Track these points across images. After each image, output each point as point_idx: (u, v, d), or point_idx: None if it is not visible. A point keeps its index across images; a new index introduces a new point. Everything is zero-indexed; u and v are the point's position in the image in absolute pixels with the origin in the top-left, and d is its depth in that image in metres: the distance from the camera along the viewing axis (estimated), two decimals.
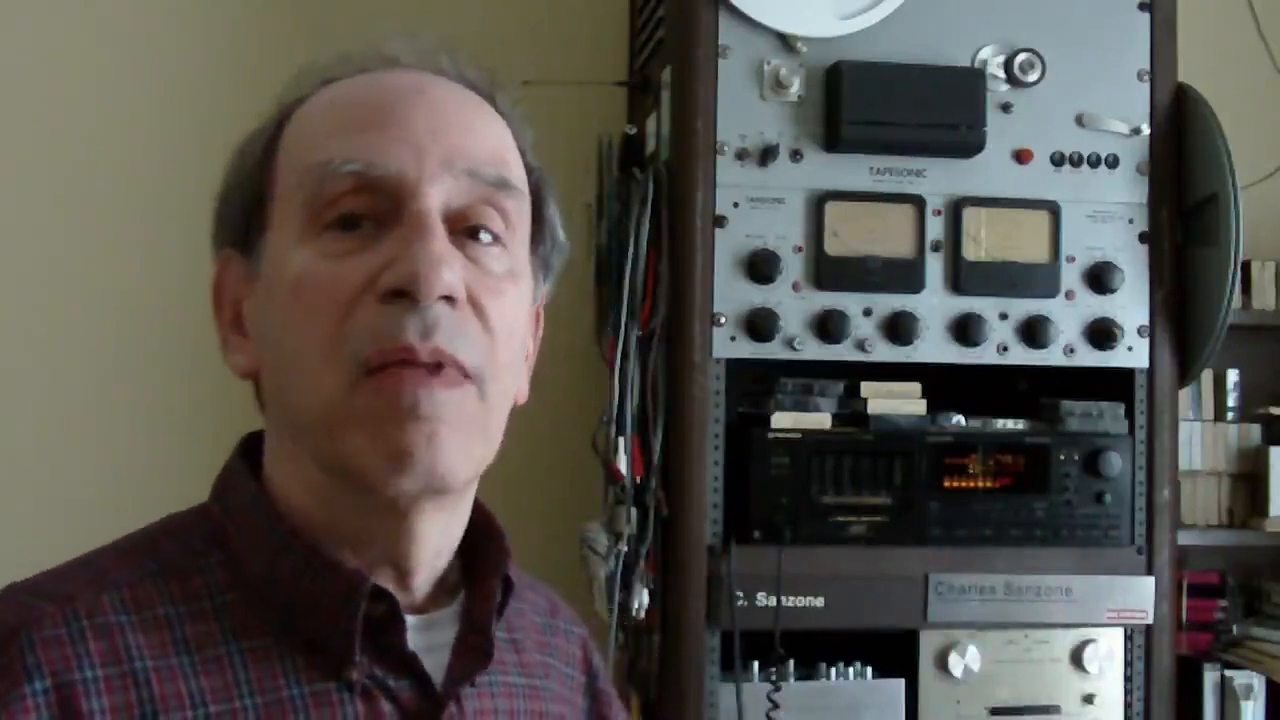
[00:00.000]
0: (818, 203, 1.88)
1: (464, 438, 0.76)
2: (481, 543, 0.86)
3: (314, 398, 0.75)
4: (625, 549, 1.85)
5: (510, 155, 0.82)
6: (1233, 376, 2.43)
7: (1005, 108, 1.93)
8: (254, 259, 0.80)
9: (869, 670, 1.89)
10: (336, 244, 0.75)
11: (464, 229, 0.77)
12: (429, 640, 0.81)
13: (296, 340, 0.75)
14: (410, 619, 0.80)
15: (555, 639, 0.95)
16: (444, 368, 0.74)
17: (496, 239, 0.79)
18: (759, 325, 1.84)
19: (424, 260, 0.73)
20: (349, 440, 0.74)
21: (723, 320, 1.85)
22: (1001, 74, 1.93)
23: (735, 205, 1.86)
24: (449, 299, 0.74)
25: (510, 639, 0.89)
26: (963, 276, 1.91)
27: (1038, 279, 1.93)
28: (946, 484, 1.88)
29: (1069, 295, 1.94)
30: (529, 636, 0.92)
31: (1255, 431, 2.41)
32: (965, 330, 1.90)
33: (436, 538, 0.81)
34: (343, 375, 0.74)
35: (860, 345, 1.88)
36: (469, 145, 0.78)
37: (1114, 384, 1.97)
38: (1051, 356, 1.93)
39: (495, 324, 0.77)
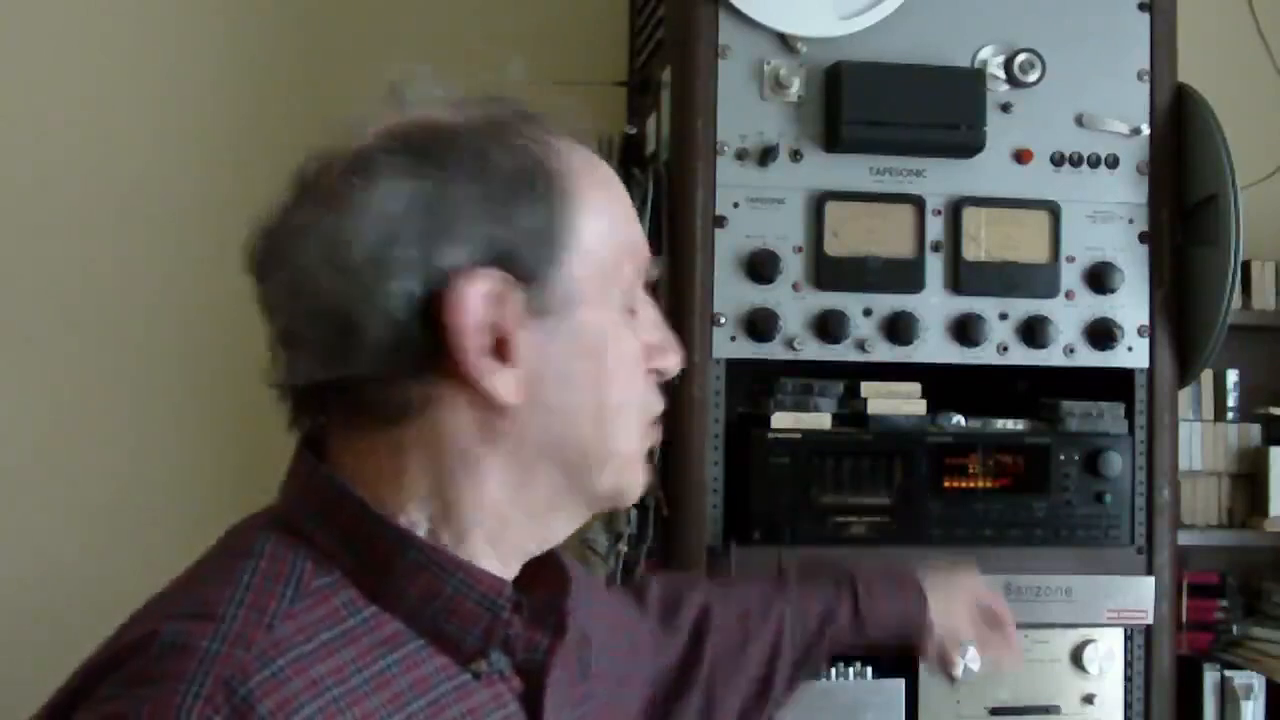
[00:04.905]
0: (818, 203, 1.88)
1: None
2: None
3: (627, 443, 0.91)
4: (625, 549, 1.85)
5: None
6: (1233, 376, 2.43)
7: (1005, 108, 1.93)
8: (547, 298, 0.86)
9: (869, 670, 1.88)
10: (633, 323, 0.92)
11: None
12: None
13: (619, 398, 0.90)
14: None
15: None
16: None
17: None
18: (759, 325, 1.84)
19: (680, 354, 0.96)
20: (633, 474, 0.93)
21: (723, 320, 1.85)
22: (1001, 74, 1.93)
23: (735, 205, 1.86)
24: None
25: None
26: (963, 276, 1.91)
27: (1038, 279, 1.93)
28: (946, 484, 1.88)
29: (1069, 295, 1.94)
30: None
31: (1255, 431, 2.42)
32: (965, 330, 1.90)
33: None
34: (644, 429, 0.94)
35: (860, 345, 1.88)
36: None
37: (1114, 384, 1.97)
38: (1051, 356, 1.93)
39: None
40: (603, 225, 0.90)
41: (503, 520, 0.88)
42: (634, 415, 0.92)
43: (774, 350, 1.86)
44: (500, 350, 0.84)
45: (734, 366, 1.86)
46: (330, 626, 0.80)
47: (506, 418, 0.86)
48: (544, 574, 0.93)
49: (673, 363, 0.95)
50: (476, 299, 0.83)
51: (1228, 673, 2.27)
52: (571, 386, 0.88)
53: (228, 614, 0.78)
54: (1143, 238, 1.96)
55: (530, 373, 0.85)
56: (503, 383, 0.84)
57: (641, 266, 0.94)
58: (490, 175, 0.84)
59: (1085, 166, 1.95)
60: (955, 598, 1.37)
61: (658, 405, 0.95)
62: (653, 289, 0.97)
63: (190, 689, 0.72)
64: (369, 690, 0.79)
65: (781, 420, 1.86)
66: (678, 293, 1.85)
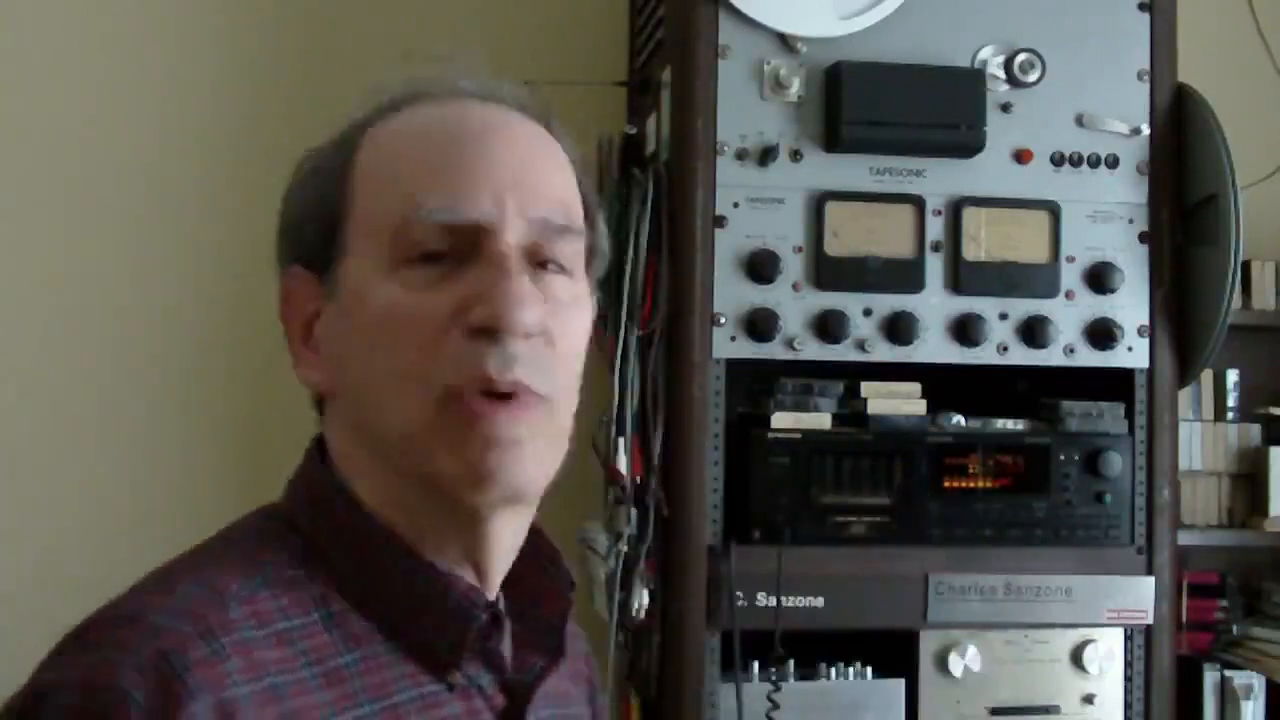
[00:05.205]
0: (818, 203, 1.88)
1: (538, 452, 0.82)
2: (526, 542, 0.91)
3: (400, 420, 0.80)
4: (625, 549, 1.85)
5: (572, 195, 0.88)
6: (1233, 376, 2.43)
7: (1005, 108, 1.93)
8: (329, 279, 0.84)
9: (869, 670, 1.89)
10: (420, 277, 0.80)
11: (534, 261, 0.83)
12: None
13: (383, 367, 0.80)
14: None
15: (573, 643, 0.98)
16: (519, 394, 0.80)
17: (562, 269, 0.85)
18: (759, 325, 1.84)
19: (510, 302, 0.79)
20: (435, 461, 0.80)
21: (723, 320, 1.85)
22: (1001, 74, 1.93)
23: (735, 205, 1.86)
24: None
25: None
26: (963, 276, 1.91)
27: (1038, 279, 1.93)
28: (946, 484, 1.88)
29: (1069, 295, 1.94)
30: None
31: (1255, 431, 2.42)
32: (965, 330, 1.90)
33: (509, 539, 0.87)
34: (429, 401, 0.79)
35: (860, 345, 1.88)
36: (543, 192, 0.84)
37: (1114, 384, 1.97)
38: (1051, 356, 1.93)
39: (563, 349, 0.83)
40: (379, 168, 0.83)
41: (403, 523, 0.83)
42: (402, 383, 0.80)
43: (774, 350, 1.86)
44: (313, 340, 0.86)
45: (734, 366, 1.86)
46: (290, 617, 0.79)
47: (339, 408, 0.86)
48: (550, 597, 0.91)
49: (485, 313, 0.79)
50: (283, 296, 0.86)
51: (1228, 673, 2.27)
52: (355, 360, 0.83)
53: (187, 591, 0.78)
54: (1143, 238, 1.96)
55: (329, 355, 0.85)
56: (308, 371, 0.86)
57: (447, 204, 0.80)
58: (307, 172, 0.87)
59: (1085, 166, 1.95)
60: None
61: (457, 371, 0.79)
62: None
63: (128, 659, 0.72)
64: (316, 685, 0.77)
65: (781, 420, 1.86)
66: (678, 293, 1.85)
